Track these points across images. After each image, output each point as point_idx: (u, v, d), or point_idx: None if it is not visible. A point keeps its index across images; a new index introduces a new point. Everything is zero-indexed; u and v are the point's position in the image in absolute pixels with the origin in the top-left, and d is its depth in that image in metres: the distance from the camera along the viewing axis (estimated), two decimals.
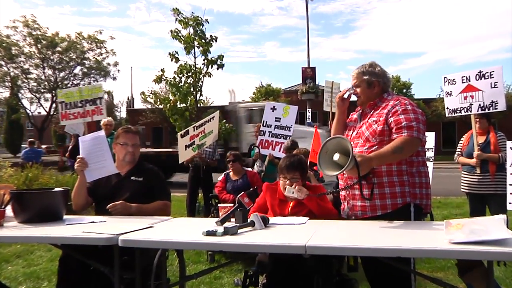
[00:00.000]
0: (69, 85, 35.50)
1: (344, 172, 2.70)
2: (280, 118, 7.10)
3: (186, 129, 6.88)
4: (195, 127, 6.79)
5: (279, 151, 6.83)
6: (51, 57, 35.08)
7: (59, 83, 35.69)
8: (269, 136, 7.06)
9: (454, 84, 5.76)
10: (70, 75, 36.80)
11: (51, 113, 36.83)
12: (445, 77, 5.88)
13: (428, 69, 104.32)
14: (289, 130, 7.06)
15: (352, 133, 3.11)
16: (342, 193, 3.10)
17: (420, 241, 2.29)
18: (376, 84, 3.07)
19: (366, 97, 3.08)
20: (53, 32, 34.85)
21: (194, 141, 6.75)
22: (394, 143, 2.74)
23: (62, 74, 36.47)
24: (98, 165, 3.49)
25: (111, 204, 3.36)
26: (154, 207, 3.49)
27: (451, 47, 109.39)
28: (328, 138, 2.78)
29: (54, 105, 36.65)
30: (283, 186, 3.38)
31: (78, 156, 3.53)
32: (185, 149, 6.77)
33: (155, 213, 3.41)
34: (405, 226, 2.68)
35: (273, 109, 7.22)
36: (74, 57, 35.77)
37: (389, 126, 2.85)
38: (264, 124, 7.12)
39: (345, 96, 3.21)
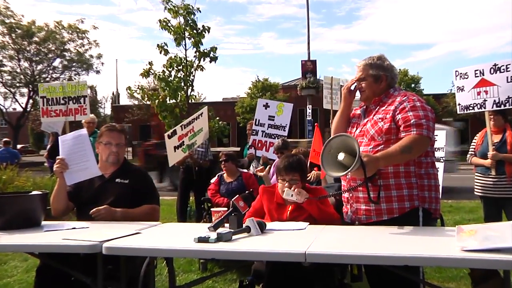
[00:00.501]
0: (47, 78, 35.34)
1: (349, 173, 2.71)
2: (273, 117, 7.10)
3: (173, 129, 6.85)
4: (182, 126, 6.77)
5: (274, 152, 6.82)
6: (27, 48, 34.90)
7: (37, 76, 35.51)
8: (262, 136, 7.06)
9: (467, 78, 5.78)
10: (48, 68, 36.63)
11: (28, 109, 36.67)
12: (456, 71, 5.90)
13: (438, 62, 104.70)
14: (284, 130, 7.06)
15: (356, 130, 3.13)
16: (345, 195, 3.12)
17: (429, 248, 2.30)
18: (383, 79, 3.08)
19: (372, 92, 3.09)
20: (29, 21, 34.67)
21: (183, 141, 6.74)
22: (402, 142, 2.75)
23: (39, 67, 36.30)
24: (79, 167, 3.48)
25: (94, 209, 3.35)
26: (141, 211, 3.50)
27: (464, 38, 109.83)
28: (333, 136, 2.79)
29: (31, 101, 36.50)
30: (281, 189, 3.40)
31: (57, 157, 3.52)
32: (174, 151, 6.74)
33: (142, 218, 3.41)
34: (413, 232, 2.70)
35: (266, 106, 7.21)
36: (53, 48, 35.61)
37: (396, 124, 2.87)
38: (257, 123, 7.12)
39: (352, 87, 3.21)
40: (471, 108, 5.78)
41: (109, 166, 3.67)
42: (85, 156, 3.48)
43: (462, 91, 5.84)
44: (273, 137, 7.03)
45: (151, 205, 3.58)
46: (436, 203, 2.94)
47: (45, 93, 7.49)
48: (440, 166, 5.56)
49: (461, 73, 5.85)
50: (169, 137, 6.77)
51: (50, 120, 7.88)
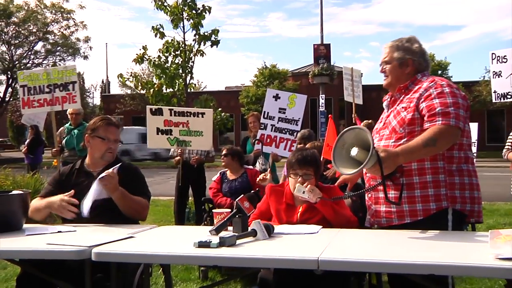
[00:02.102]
0: (29, 64, 35.41)
1: (365, 170, 2.71)
2: (285, 109, 7.08)
3: (159, 107, 6.79)
4: (172, 111, 6.70)
5: (284, 148, 6.82)
6: (5, 30, 34.95)
7: (16, 62, 35.59)
8: (271, 130, 7.03)
9: (505, 62, 5.75)
10: (29, 53, 36.66)
11: (7, 99, 36.80)
12: (493, 53, 5.87)
13: (469, 46, 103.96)
14: (297, 124, 7.04)
15: (379, 124, 3.14)
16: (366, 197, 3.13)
17: (459, 255, 2.30)
18: (409, 63, 3.08)
19: (395, 77, 3.09)
20: None
21: (171, 130, 6.70)
22: (425, 134, 2.73)
23: (19, 51, 36.33)
24: None
25: (106, 173, 3.33)
26: (137, 200, 3.49)
27: (499, 18, 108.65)
28: (345, 129, 2.79)
29: (10, 89, 36.61)
30: (293, 185, 3.40)
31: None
32: (157, 133, 6.71)
33: (135, 207, 3.44)
34: (440, 236, 2.70)
35: (276, 97, 7.19)
36: (34, 30, 35.63)
37: (420, 113, 2.86)
38: (265, 116, 7.11)
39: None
40: (509, 96, 5.75)
41: (100, 162, 3.66)
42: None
43: (499, 77, 5.81)
44: (284, 132, 7.01)
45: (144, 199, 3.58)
46: (473, 204, 2.91)
47: (26, 81, 7.45)
48: None
49: (498, 56, 5.81)
50: (153, 112, 6.69)
51: (32, 111, 7.85)
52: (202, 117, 6.72)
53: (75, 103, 7.46)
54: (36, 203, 3.53)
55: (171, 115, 6.68)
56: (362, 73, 9.16)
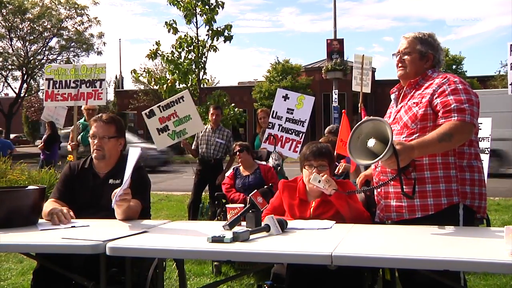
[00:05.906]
0: (43, 60, 35.68)
1: (379, 162, 2.71)
2: (293, 110, 7.12)
3: (151, 108, 6.85)
4: (161, 107, 6.75)
5: (289, 149, 6.86)
6: (20, 26, 35.22)
7: (31, 58, 35.89)
8: (278, 130, 7.08)
9: None
10: (44, 49, 36.94)
11: (22, 95, 37.08)
12: (511, 45, 5.81)
13: (485, 40, 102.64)
14: (303, 126, 7.08)
15: (389, 119, 3.13)
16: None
17: (472, 251, 2.29)
18: (430, 58, 3.09)
19: (414, 69, 3.08)
20: None
21: (167, 125, 6.74)
22: (441, 130, 2.73)
23: (34, 47, 36.63)
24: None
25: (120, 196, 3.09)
26: (132, 207, 3.32)
27: None
28: (364, 119, 2.80)
29: (25, 85, 36.90)
30: (307, 176, 3.40)
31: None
32: (159, 134, 6.77)
33: (129, 215, 3.30)
34: (454, 232, 2.69)
35: (285, 97, 7.23)
36: (48, 26, 35.89)
37: (433, 109, 2.86)
38: (274, 115, 7.16)
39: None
40: None
41: (103, 164, 3.61)
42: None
43: None
44: (290, 132, 7.07)
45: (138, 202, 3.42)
46: (480, 200, 2.92)
47: (53, 75, 7.44)
48: (485, 158, 5.50)
49: None
50: (148, 116, 6.74)
51: (55, 104, 7.83)
52: (183, 100, 6.73)
53: (101, 100, 7.45)
54: (45, 208, 3.42)
55: (161, 111, 6.74)
56: (371, 60, 9.12)
